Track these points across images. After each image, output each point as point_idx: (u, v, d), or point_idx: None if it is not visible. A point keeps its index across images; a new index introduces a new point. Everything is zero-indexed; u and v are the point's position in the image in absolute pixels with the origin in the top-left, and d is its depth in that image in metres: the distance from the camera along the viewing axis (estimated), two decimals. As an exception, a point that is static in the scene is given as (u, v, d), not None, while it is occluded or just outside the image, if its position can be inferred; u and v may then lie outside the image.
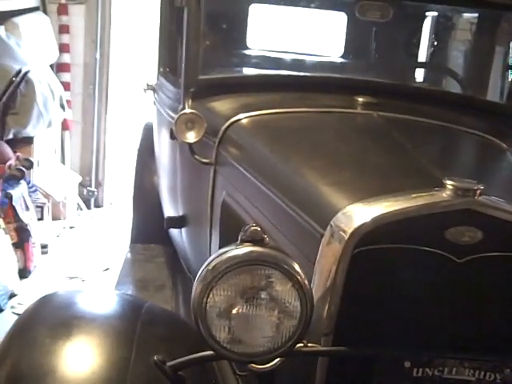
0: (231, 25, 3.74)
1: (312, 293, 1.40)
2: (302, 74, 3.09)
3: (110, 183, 6.45)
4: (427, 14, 3.84)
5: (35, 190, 5.03)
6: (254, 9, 3.88)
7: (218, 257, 1.39)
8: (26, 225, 4.62)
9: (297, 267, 1.39)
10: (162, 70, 3.23)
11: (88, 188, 6.20)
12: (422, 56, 3.94)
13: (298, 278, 1.38)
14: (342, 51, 4.00)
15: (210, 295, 1.37)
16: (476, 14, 3.42)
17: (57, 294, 1.81)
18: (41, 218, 5.23)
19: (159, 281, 3.55)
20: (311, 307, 1.39)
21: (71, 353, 1.48)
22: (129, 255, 3.97)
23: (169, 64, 3.16)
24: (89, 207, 6.20)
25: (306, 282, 1.39)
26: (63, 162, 6.03)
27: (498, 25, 3.30)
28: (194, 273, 2.88)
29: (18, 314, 4.06)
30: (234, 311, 1.39)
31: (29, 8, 5.44)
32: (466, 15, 3.81)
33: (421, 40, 3.89)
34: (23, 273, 4.61)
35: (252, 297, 1.38)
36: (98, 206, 6.34)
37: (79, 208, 6.09)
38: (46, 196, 5.28)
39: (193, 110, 2.34)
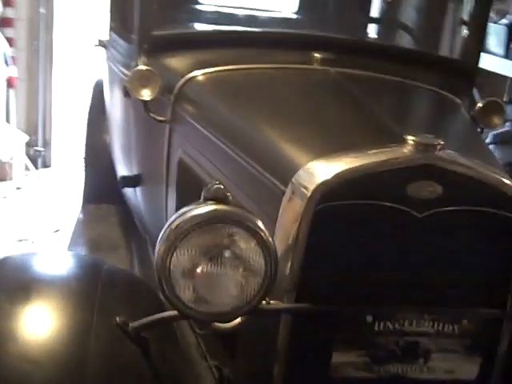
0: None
1: (276, 250, 1.40)
2: (258, 29, 3.05)
3: (57, 142, 6.30)
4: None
5: (-20, 151, 4.89)
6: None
7: (180, 216, 1.36)
8: (-27, 186, 4.50)
9: (260, 224, 1.38)
10: (113, 25, 3.15)
11: (35, 148, 6.05)
12: (374, 12, 3.94)
13: (262, 235, 1.37)
14: (296, 7, 3.96)
15: (174, 255, 1.35)
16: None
17: (11, 258, 1.77)
18: (-14, 179, 5.10)
19: (112, 241, 3.53)
20: (275, 264, 1.39)
21: (32, 317, 1.45)
22: (81, 215, 3.93)
23: (120, 19, 3.07)
24: (36, 167, 6.06)
25: (270, 239, 1.38)
26: (8, 120, 5.85)
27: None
28: (149, 232, 2.86)
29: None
30: (199, 270, 1.37)
31: (-32, -40, 5.22)
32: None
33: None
34: (-30, 235, 4.50)
35: (216, 255, 1.37)
36: (45, 165, 6.19)
37: (26, 168, 5.95)
38: (-8, 156, 5.14)
39: (147, 67, 2.28)
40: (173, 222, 1.37)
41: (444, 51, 3.43)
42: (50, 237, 4.71)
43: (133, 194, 2.93)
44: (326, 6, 3.89)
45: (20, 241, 4.59)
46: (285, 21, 3.87)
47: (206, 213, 1.35)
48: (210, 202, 1.36)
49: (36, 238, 4.65)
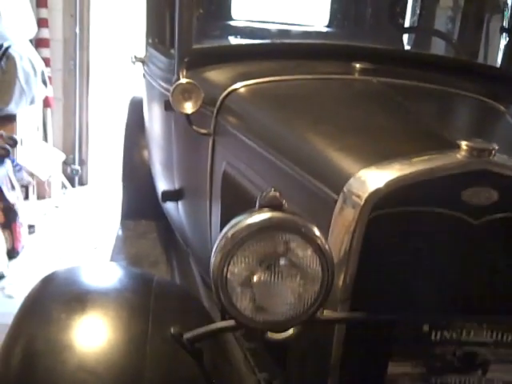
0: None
1: (333, 258, 1.38)
2: (295, 41, 3.05)
3: (93, 161, 6.36)
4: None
5: (20, 169, 4.95)
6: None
7: (236, 224, 1.35)
8: (13, 205, 4.55)
9: (317, 231, 1.36)
10: (150, 40, 3.17)
11: (72, 166, 6.11)
12: (407, 22, 3.93)
13: (319, 242, 1.35)
14: (327, 20, 3.97)
15: (231, 263, 1.33)
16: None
17: (59, 272, 1.77)
18: (26, 198, 5.16)
19: (153, 256, 3.53)
20: (332, 272, 1.37)
21: (88, 327, 1.45)
22: (120, 232, 3.93)
23: (158, 34, 3.09)
24: (73, 185, 6.12)
25: (327, 247, 1.36)
26: (46, 139, 5.93)
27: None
28: (191, 246, 2.85)
29: (9, 296, 4.02)
30: (255, 279, 1.36)
31: (5, -17, 5.31)
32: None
33: (406, 6, 3.87)
34: (11, 253, 4.55)
35: (273, 264, 1.36)
36: (82, 184, 6.26)
37: (64, 187, 6.01)
38: (31, 175, 5.20)
39: (189, 80, 2.29)
40: (228, 230, 1.35)
41: (482, 59, 3.41)
42: (90, 254, 4.74)
43: (174, 209, 2.93)
44: (357, 18, 3.90)
45: (60, 258, 4.64)
46: (317, 34, 3.87)
47: (263, 220, 1.33)
48: (266, 209, 1.35)
49: (76, 255, 4.69)
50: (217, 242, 1.36)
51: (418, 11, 3.88)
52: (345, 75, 2.38)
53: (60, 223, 5.33)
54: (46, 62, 5.66)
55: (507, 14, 2.93)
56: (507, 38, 2.74)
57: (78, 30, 5.78)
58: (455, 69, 2.67)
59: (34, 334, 1.44)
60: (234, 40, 3.50)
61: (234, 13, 3.84)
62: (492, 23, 3.53)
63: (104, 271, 1.83)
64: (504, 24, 2.93)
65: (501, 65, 2.79)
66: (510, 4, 2.89)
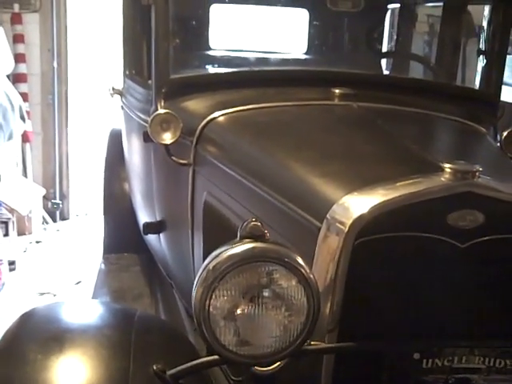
0: (193, 26, 3.68)
1: (318, 287, 1.34)
2: (274, 68, 3.04)
3: (74, 194, 6.30)
4: (389, 6, 3.84)
5: (-1, 205, 4.89)
6: (214, 9, 3.82)
7: (217, 256, 1.31)
8: (-7, 241, 4.48)
9: (301, 261, 1.33)
10: (128, 72, 3.14)
11: (52, 201, 6.05)
12: (384, 47, 3.95)
13: (303, 272, 1.32)
14: (305, 48, 3.97)
15: (213, 297, 1.29)
16: (438, 3, 3.43)
17: (38, 309, 1.72)
18: (6, 234, 5.08)
19: (136, 290, 3.47)
20: (318, 302, 1.33)
21: (67, 367, 1.40)
22: (102, 266, 3.87)
23: (135, 66, 3.07)
24: (54, 220, 6.05)
25: (312, 276, 1.33)
26: (25, 175, 5.87)
27: (464, 12, 3.31)
28: (175, 278, 2.80)
29: (-10, 334, 3.92)
30: (239, 312, 1.32)
31: (-19, 19, 5.30)
32: (427, 6, 3.83)
33: (383, 32, 3.89)
34: (-9, 291, 4.47)
35: (256, 295, 1.32)
36: (63, 218, 6.19)
37: (45, 222, 5.94)
38: (11, 211, 5.13)
39: (167, 110, 2.27)
40: (209, 262, 1.31)
41: (460, 82, 3.43)
42: (72, 289, 4.67)
43: (156, 241, 2.89)
44: (334, 44, 3.90)
45: (42, 294, 4.56)
46: (295, 61, 3.87)
47: (244, 251, 1.30)
48: (247, 240, 1.32)
49: (58, 291, 4.61)
50: (198, 274, 1.33)
51: (395, 36, 3.90)
52: (325, 101, 2.37)
53: (41, 259, 5.25)
54: (24, 96, 5.62)
55: (483, 36, 2.94)
56: (484, 61, 2.74)
57: (55, 64, 5.75)
58: (434, 92, 2.66)
59: (10, 374, 1.39)
60: (211, 69, 3.48)
61: (211, 42, 3.83)
62: (468, 46, 3.56)
63: (84, 308, 1.78)
64: (481, 47, 2.94)
65: (479, 87, 2.79)
66: (485, 27, 2.90)
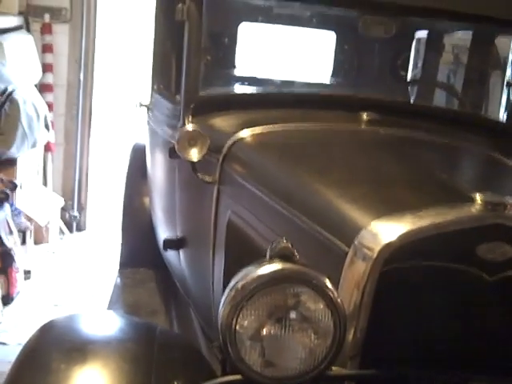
0: (223, 43, 3.70)
1: (345, 311, 1.33)
2: (303, 90, 3.04)
3: (93, 207, 6.33)
4: (416, 35, 3.84)
5: (19, 214, 4.90)
6: (243, 28, 3.84)
7: (245, 275, 1.31)
8: (10, 249, 4.49)
9: (329, 284, 1.32)
10: (155, 87, 3.16)
11: (70, 212, 6.07)
12: (409, 75, 3.96)
13: (331, 295, 1.31)
14: (330, 71, 3.98)
15: (240, 316, 1.29)
16: (466, 32, 3.44)
17: (60, 320, 1.72)
18: (23, 243, 5.10)
19: (151, 306, 3.46)
20: (345, 327, 1.32)
21: (89, 379, 1.39)
22: (118, 280, 3.87)
23: (163, 80, 3.09)
24: (71, 231, 6.07)
25: (340, 301, 1.32)
26: (45, 184, 5.90)
27: (492, 43, 3.31)
28: (192, 296, 2.79)
29: (3, 343, 3.93)
30: (265, 332, 1.31)
31: (12, 27, 5.34)
32: (453, 37, 3.84)
33: (409, 59, 3.90)
34: (6, 299, 4.46)
35: (283, 317, 1.31)
36: (80, 229, 6.20)
37: (61, 232, 5.96)
38: (29, 220, 5.15)
39: (195, 127, 2.27)
40: (238, 281, 1.31)
41: (483, 112, 3.42)
42: (86, 301, 4.66)
43: (175, 258, 2.88)
44: (361, 69, 3.91)
45: (56, 305, 4.56)
46: (321, 84, 3.88)
47: (274, 272, 1.29)
48: (277, 260, 1.31)
49: (72, 303, 4.61)
50: (225, 293, 1.32)
51: (420, 64, 3.91)
52: (351, 125, 2.37)
53: (56, 269, 5.26)
54: (49, 106, 5.67)
55: (510, 68, 2.94)
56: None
57: (81, 76, 5.80)
58: (460, 122, 2.66)
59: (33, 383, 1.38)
60: (239, 88, 3.50)
61: (238, 61, 3.85)
62: (492, 78, 3.56)
63: (104, 319, 1.78)
64: (509, 79, 2.94)
65: (507, 120, 2.79)
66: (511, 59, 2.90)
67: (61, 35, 5.69)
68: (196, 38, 2.40)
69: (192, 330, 2.83)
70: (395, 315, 1.49)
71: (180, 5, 2.41)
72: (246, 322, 1.29)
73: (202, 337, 2.67)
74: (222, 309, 1.30)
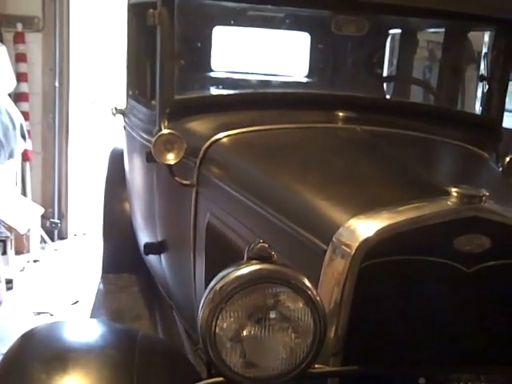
0: (197, 47, 3.70)
1: (324, 309, 1.34)
2: (278, 90, 3.04)
3: (73, 214, 6.29)
4: (390, 31, 3.86)
5: (-2, 224, 4.87)
6: (217, 31, 3.84)
7: (224, 277, 1.31)
8: (-10, 260, 4.45)
9: (308, 283, 1.33)
10: (131, 92, 3.15)
11: (51, 220, 6.03)
12: (384, 72, 3.98)
13: (310, 293, 1.32)
14: (306, 71, 3.99)
15: (219, 318, 1.29)
16: (439, 29, 3.46)
17: (40, 328, 1.70)
18: (4, 253, 5.05)
19: (135, 311, 3.45)
20: (325, 324, 1.33)
21: (70, 387, 1.39)
22: (101, 286, 3.85)
23: (138, 86, 3.08)
24: (52, 239, 6.03)
25: (319, 299, 1.32)
26: (24, 193, 5.86)
27: (465, 38, 3.33)
28: (175, 299, 2.79)
29: (-14, 353, 3.89)
30: (245, 333, 1.31)
31: (-16, 37, 5.32)
32: (427, 32, 3.86)
33: (384, 56, 3.91)
34: (-12, 310, 4.44)
35: (263, 317, 1.31)
36: (61, 237, 6.16)
37: (43, 241, 5.92)
38: (9, 229, 5.11)
39: (171, 131, 2.27)
40: (216, 283, 1.31)
41: (460, 106, 3.45)
42: (70, 309, 4.64)
43: (157, 262, 2.88)
44: (336, 68, 3.92)
45: (39, 314, 4.52)
46: (297, 84, 3.89)
47: (252, 272, 1.30)
48: (254, 261, 1.31)
49: (55, 311, 4.58)
50: (204, 295, 1.32)
51: (395, 61, 3.93)
52: (328, 124, 2.38)
53: (39, 278, 5.22)
54: (25, 115, 5.62)
55: (485, 63, 2.96)
56: (486, 86, 2.76)
57: (57, 84, 5.76)
58: (437, 117, 2.68)
59: (13, 396, 1.37)
60: (214, 91, 3.50)
61: (214, 64, 3.85)
62: (467, 72, 3.59)
63: (86, 327, 1.77)
64: (482, 73, 2.96)
65: (481, 112, 2.81)
66: (487, 53, 2.92)
67: (34, 44, 5.65)
68: (169, 43, 2.40)
69: (176, 333, 2.83)
70: (376, 310, 1.50)
71: (151, 10, 2.41)
72: (225, 324, 1.29)
73: (186, 340, 2.67)
74: (201, 311, 1.30)
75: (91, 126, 7.21)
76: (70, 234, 6.24)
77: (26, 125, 5.52)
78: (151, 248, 2.81)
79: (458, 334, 1.52)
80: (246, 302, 1.30)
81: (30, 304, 4.70)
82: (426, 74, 4.25)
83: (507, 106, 4.71)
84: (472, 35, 3.46)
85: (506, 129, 4.27)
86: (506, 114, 4.10)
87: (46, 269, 5.43)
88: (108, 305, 3.58)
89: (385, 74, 3.95)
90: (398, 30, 3.79)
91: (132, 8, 3.03)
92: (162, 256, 2.77)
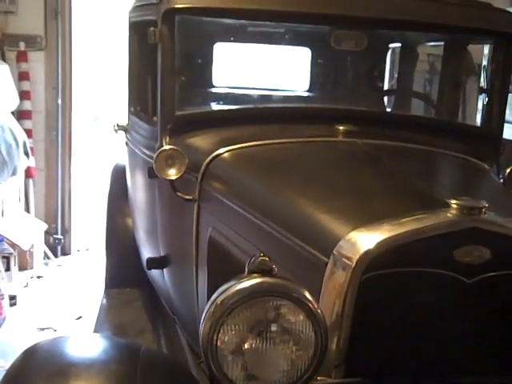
0: (198, 63, 3.72)
1: (325, 322, 1.34)
2: (278, 105, 3.06)
3: (76, 230, 6.31)
4: (390, 45, 3.88)
5: (1, 240, 4.88)
6: (218, 47, 3.87)
7: (225, 291, 1.32)
8: (-6, 276, 4.47)
9: (308, 295, 1.34)
10: (132, 109, 3.17)
11: (54, 236, 6.05)
12: (385, 85, 3.99)
13: (311, 306, 1.33)
14: (307, 85, 4.01)
15: (221, 331, 1.30)
16: (439, 43, 3.48)
17: (42, 344, 1.71)
18: (7, 269, 5.07)
19: (138, 325, 3.45)
20: (326, 337, 1.34)
21: (72, 403, 1.39)
22: (104, 301, 3.85)
23: (140, 102, 3.10)
24: (56, 255, 6.04)
25: (320, 311, 1.33)
26: (28, 210, 5.88)
27: (464, 51, 3.35)
28: (178, 314, 2.79)
29: (-10, 369, 3.90)
30: (247, 346, 1.32)
31: (-14, 56, 5.36)
32: (426, 45, 3.88)
33: (385, 70, 3.93)
34: (-8, 326, 4.44)
35: (264, 330, 1.32)
36: (65, 253, 6.17)
37: (46, 257, 5.93)
38: (13, 246, 5.12)
39: (172, 146, 2.29)
40: (217, 297, 1.32)
41: (461, 119, 3.47)
42: (73, 324, 4.64)
43: (160, 276, 2.88)
44: (337, 83, 3.94)
45: (42, 329, 4.53)
46: (298, 98, 3.91)
47: (253, 286, 1.31)
48: (255, 275, 1.32)
49: (58, 326, 4.58)
50: (206, 308, 1.33)
51: (396, 75, 3.94)
52: (329, 138, 2.39)
53: (42, 294, 5.23)
54: (29, 133, 5.66)
55: (485, 75, 2.98)
56: (486, 99, 2.77)
57: (60, 101, 5.80)
58: (437, 129, 2.69)
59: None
60: (216, 106, 3.52)
61: (215, 80, 3.87)
62: (468, 84, 3.61)
63: (88, 342, 1.78)
64: (482, 85, 2.97)
65: (481, 124, 2.82)
66: (487, 65, 2.94)
67: (37, 63, 5.69)
68: (169, 60, 2.43)
69: (180, 347, 2.83)
70: (378, 322, 1.51)
71: (152, 28, 2.43)
72: (226, 337, 1.30)
73: (189, 354, 2.67)
74: (202, 325, 1.31)
75: (94, 142, 7.25)
76: (73, 250, 6.25)
77: (29, 142, 5.55)
78: (154, 263, 2.82)
79: (459, 344, 1.52)
80: (247, 316, 1.31)
81: (33, 320, 4.70)
82: (427, 87, 4.27)
83: (508, 117, 4.74)
84: (472, 48, 3.48)
85: (507, 140, 4.29)
86: (506, 125, 4.12)
87: (50, 284, 5.44)
88: (111, 319, 3.58)
89: (386, 87, 3.97)
90: (398, 44, 3.82)
91: (133, 26, 3.06)
92: (165, 270, 2.77)
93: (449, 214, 1.50)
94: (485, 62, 3.28)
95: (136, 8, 3.00)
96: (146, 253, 3.11)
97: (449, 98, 3.35)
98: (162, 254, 2.78)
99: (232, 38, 3.78)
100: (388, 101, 3.98)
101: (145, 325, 3.40)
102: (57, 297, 5.19)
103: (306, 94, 3.97)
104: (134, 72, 3.16)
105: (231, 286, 1.32)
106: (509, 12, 2.67)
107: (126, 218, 3.84)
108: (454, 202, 1.50)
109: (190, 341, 2.61)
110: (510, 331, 1.55)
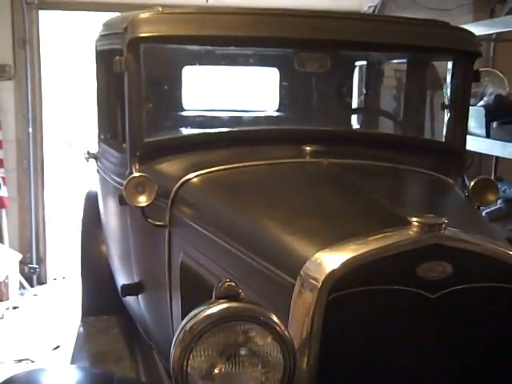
0: (166, 89, 3.74)
1: (293, 343, 1.37)
2: (245, 128, 3.10)
3: (52, 258, 6.27)
4: (356, 63, 3.94)
5: (-25, 273, 4.84)
6: (187, 71, 3.90)
7: (193, 317, 1.34)
8: (-31, 309, 4.42)
9: (275, 318, 1.36)
10: (102, 136, 3.19)
11: (29, 265, 6.01)
12: (354, 103, 4.05)
13: (278, 329, 1.35)
14: (276, 105, 4.05)
15: (190, 357, 1.32)
16: (403, 60, 3.54)
17: (18, 376, 1.72)
18: (-17, 301, 5.03)
19: (116, 352, 3.44)
20: (294, 358, 1.36)
21: None
22: (81, 329, 3.83)
23: (109, 130, 3.12)
24: (32, 285, 5.99)
25: (287, 333, 1.36)
26: (1, 240, 5.84)
27: (428, 67, 3.42)
28: (155, 340, 2.80)
29: (-34, 405, 3.85)
30: (217, 371, 1.34)
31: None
32: (393, 62, 3.94)
33: (352, 87, 3.99)
34: (-32, 359, 4.39)
35: (233, 354, 1.34)
36: (41, 282, 6.13)
37: (22, 287, 5.88)
38: (-13, 277, 5.09)
39: (142, 174, 2.31)
40: (186, 323, 1.34)
41: (429, 134, 3.52)
42: (50, 354, 4.61)
43: (135, 303, 2.89)
44: (305, 102, 3.99)
45: (19, 361, 4.49)
46: (267, 119, 3.95)
47: (220, 311, 1.33)
48: (222, 301, 1.35)
49: (36, 357, 4.55)
50: (175, 335, 1.35)
51: (364, 91, 4.00)
52: (296, 159, 2.42)
53: (19, 325, 5.18)
54: (0, 162, 5.64)
55: (446, 90, 3.04)
56: (448, 114, 2.83)
57: (30, 130, 5.79)
58: (403, 145, 2.74)
59: None
60: (185, 130, 3.54)
61: (184, 103, 3.90)
62: (435, 98, 3.67)
63: (64, 374, 1.78)
64: (445, 100, 3.04)
65: (445, 139, 2.87)
66: (448, 81, 3.00)
67: (6, 91, 5.68)
68: (136, 88, 2.45)
69: (157, 373, 2.83)
70: (346, 342, 1.54)
71: (118, 57, 2.46)
72: (196, 363, 1.32)
73: (166, 379, 2.68)
74: (172, 351, 1.33)
75: (68, 168, 7.23)
76: (49, 279, 6.21)
77: (0, 172, 5.53)
78: (128, 289, 2.83)
79: (427, 360, 1.55)
80: (216, 340, 1.33)
81: (10, 351, 4.66)
82: (394, 103, 4.34)
83: (473, 130, 4.82)
84: (438, 63, 3.55)
85: (474, 152, 4.35)
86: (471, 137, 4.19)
87: (26, 315, 5.40)
88: (89, 348, 3.56)
89: (355, 104, 4.03)
90: (364, 62, 3.88)
91: (100, 54, 3.09)
92: (140, 297, 2.78)
93: (410, 232, 1.54)
94: (449, 78, 3.35)
95: (102, 37, 3.02)
96: (121, 279, 3.12)
97: (414, 114, 3.41)
98: (136, 281, 2.79)
99: (200, 62, 3.82)
100: (357, 118, 4.04)
101: (122, 352, 3.39)
102: (33, 327, 5.15)
103: (276, 113, 4.01)
104: (102, 100, 3.19)
105: (199, 312, 1.34)
106: (466, 30, 2.73)
107: (100, 245, 3.84)
108: (415, 219, 1.54)
109: (167, 366, 2.62)
110: (473, 345, 1.59)
